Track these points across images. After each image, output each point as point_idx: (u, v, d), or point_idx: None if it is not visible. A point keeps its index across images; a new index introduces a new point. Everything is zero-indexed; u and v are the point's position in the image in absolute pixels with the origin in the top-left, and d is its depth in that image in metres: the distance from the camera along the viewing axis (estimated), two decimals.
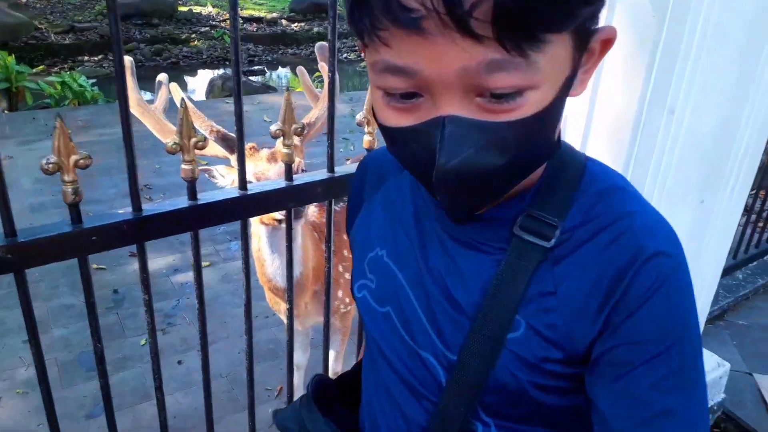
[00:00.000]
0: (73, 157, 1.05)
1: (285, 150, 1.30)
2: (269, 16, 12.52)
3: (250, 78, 8.84)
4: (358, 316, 1.85)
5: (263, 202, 1.30)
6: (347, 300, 2.05)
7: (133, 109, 1.61)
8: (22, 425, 2.28)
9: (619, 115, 1.55)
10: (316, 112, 1.66)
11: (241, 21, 12.01)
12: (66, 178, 1.06)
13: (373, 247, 0.76)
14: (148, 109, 1.63)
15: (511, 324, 0.61)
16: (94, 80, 6.53)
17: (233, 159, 1.64)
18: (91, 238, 1.11)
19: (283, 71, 10.69)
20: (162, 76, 1.73)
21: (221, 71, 9.83)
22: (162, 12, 11.46)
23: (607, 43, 0.57)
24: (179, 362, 2.66)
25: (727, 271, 3.02)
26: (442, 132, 0.52)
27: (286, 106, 1.26)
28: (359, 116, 1.38)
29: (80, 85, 6.09)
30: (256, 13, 12.58)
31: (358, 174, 0.85)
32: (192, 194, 1.21)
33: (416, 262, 0.70)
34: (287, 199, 1.33)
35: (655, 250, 0.57)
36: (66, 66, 9.29)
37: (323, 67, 1.68)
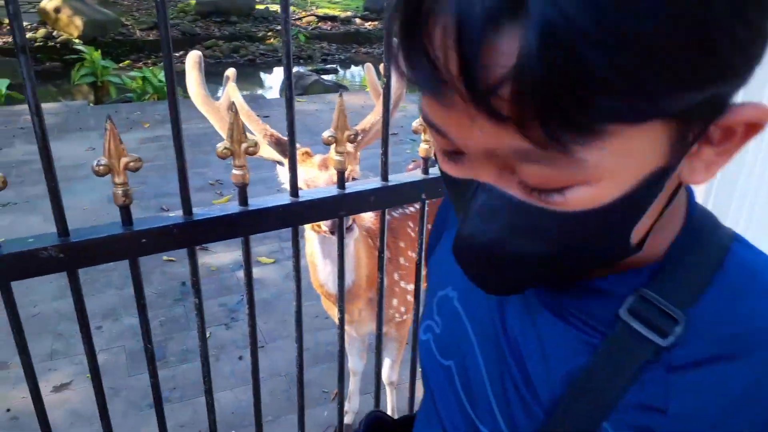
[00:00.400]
0: (124, 160, 1.05)
1: (337, 157, 1.26)
2: (343, 14, 12.63)
3: (323, 77, 8.94)
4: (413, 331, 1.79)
5: (314, 210, 1.28)
6: (402, 309, 2.00)
7: (200, 106, 1.61)
8: (90, 409, 2.37)
9: None
10: (373, 117, 1.62)
11: (316, 20, 12.16)
12: (116, 180, 1.06)
13: (445, 286, 0.66)
14: (214, 106, 1.62)
15: None
16: None
17: (287, 163, 1.62)
18: (141, 241, 1.11)
19: (356, 69, 10.76)
20: (230, 72, 1.71)
21: (295, 69, 10.00)
22: (240, 10, 11.76)
23: (754, 127, 0.39)
24: (240, 358, 2.70)
25: None
26: (473, 199, 0.43)
27: (338, 112, 1.22)
28: (416, 123, 1.33)
29: (160, 81, 6.33)
30: (330, 12, 12.72)
31: (444, 200, 0.76)
32: (243, 200, 1.19)
33: (489, 315, 0.58)
34: (338, 208, 1.30)
35: None
36: (149, 61, 9.71)
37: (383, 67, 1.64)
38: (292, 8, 12.68)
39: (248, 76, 10.13)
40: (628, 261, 0.47)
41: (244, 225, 1.20)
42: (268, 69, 10.44)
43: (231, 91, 1.62)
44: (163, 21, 0.99)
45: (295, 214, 1.25)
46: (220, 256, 3.52)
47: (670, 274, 0.47)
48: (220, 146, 1.14)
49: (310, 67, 10.21)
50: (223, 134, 1.59)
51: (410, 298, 2.02)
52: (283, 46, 1.10)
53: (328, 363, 2.68)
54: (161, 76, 6.35)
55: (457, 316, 0.62)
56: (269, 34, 11.28)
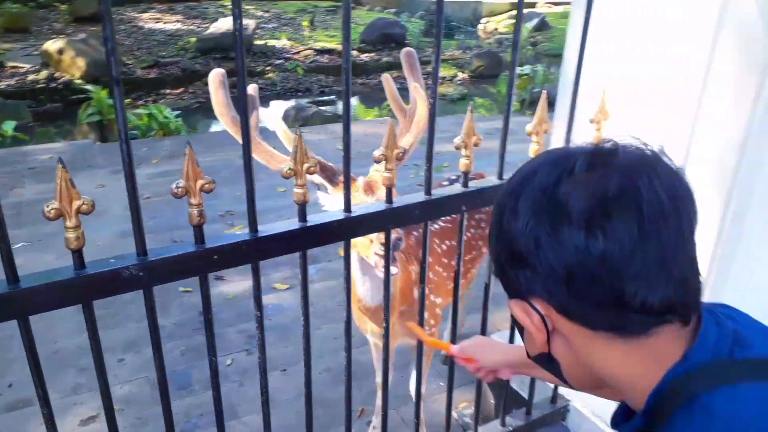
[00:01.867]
0: (200, 182, 1.13)
1: (387, 174, 1.34)
2: (341, 47, 12.87)
3: (321, 108, 9.10)
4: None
5: (365, 224, 1.36)
6: (432, 322, 2.06)
7: (228, 127, 1.60)
8: None
9: (724, 134, 1.52)
10: (410, 138, 1.70)
11: (313, 53, 12.40)
12: (192, 201, 1.13)
13: None
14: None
15: None
16: (178, 112, 6.91)
17: (330, 188, 1.70)
18: (213, 257, 1.18)
19: (353, 101, 10.91)
20: (252, 88, 1.65)
21: (293, 102, 10.18)
22: None
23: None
24: None
25: None
26: None
27: (389, 133, 1.30)
28: (457, 140, 1.42)
29: (165, 117, 6.45)
30: (327, 45, 12.97)
31: None
32: (302, 216, 1.27)
33: None
34: (387, 221, 1.38)
35: None
36: (150, 99, 9.87)
37: (412, 83, 1.73)
38: (290, 43, 13.00)
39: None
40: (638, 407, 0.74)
41: (305, 239, 1.28)
42: (265, 103, 10.57)
43: (275, 121, 1.70)
44: (241, 69, 1.08)
45: (349, 228, 1.33)
46: (236, 284, 3.57)
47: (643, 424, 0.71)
48: (285, 166, 1.21)
49: (307, 100, 10.38)
50: (255, 155, 1.62)
51: (438, 311, 2.09)
52: (343, 73, 1.19)
53: (353, 382, 2.71)
54: (166, 112, 6.47)
55: None
56: (267, 68, 11.49)
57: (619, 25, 1.72)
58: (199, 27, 13.95)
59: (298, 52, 12.26)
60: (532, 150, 1.56)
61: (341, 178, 1.69)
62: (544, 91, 1.55)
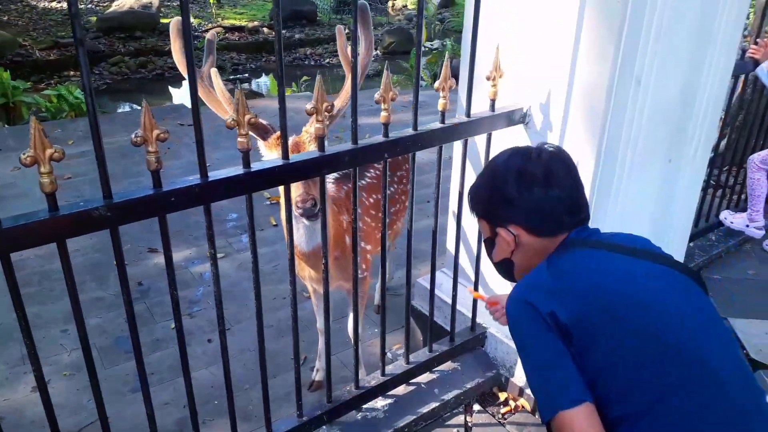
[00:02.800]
0: (155, 132, 1.29)
1: (317, 125, 1.54)
2: (250, 24, 12.73)
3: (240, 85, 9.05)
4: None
5: (302, 170, 1.55)
6: (363, 266, 2.28)
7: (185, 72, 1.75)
8: (74, 402, 2.49)
9: (593, 88, 1.82)
10: (340, 102, 1.88)
11: (223, 30, 12.20)
12: (150, 149, 1.29)
13: None
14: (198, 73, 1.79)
15: None
16: None
17: (262, 143, 1.88)
18: (170, 199, 1.34)
19: (264, 79, 10.84)
20: (211, 34, 1.89)
21: None
22: (145, 25, 11.62)
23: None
24: (209, 341, 2.89)
25: (695, 236, 3.32)
26: None
27: (318, 87, 1.50)
28: (377, 95, 1.63)
29: (76, 98, 6.28)
30: (237, 23, 12.78)
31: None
32: (246, 163, 1.45)
33: None
34: (321, 167, 1.58)
35: None
36: (53, 81, 9.45)
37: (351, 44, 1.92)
38: (198, 21, 12.73)
39: (157, 91, 10.06)
40: None
41: (249, 183, 1.46)
42: (176, 83, 10.38)
43: (214, 77, 1.85)
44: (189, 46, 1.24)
45: (286, 174, 1.52)
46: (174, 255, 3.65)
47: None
48: (228, 118, 1.39)
49: (222, 78, 10.21)
50: (206, 101, 1.82)
51: (369, 257, 2.32)
52: (275, 32, 1.37)
53: (292, 335, 2.92)
54: (77, 93, 6.29)
55: None
56: None
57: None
58: (98, 6, 13.37)
59: (206, 30, 12.01)
60: (440, 104, 1.78)
61: (272, 136, 1.88)
62: (448, 55, 1.80)
